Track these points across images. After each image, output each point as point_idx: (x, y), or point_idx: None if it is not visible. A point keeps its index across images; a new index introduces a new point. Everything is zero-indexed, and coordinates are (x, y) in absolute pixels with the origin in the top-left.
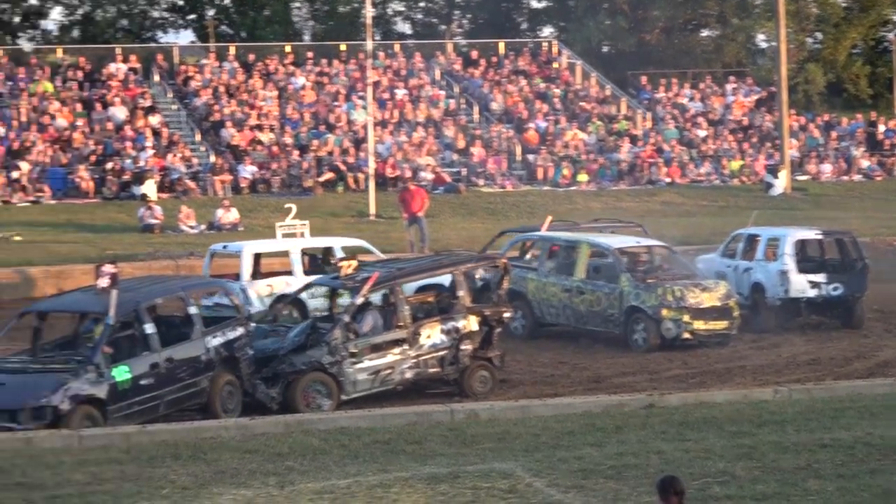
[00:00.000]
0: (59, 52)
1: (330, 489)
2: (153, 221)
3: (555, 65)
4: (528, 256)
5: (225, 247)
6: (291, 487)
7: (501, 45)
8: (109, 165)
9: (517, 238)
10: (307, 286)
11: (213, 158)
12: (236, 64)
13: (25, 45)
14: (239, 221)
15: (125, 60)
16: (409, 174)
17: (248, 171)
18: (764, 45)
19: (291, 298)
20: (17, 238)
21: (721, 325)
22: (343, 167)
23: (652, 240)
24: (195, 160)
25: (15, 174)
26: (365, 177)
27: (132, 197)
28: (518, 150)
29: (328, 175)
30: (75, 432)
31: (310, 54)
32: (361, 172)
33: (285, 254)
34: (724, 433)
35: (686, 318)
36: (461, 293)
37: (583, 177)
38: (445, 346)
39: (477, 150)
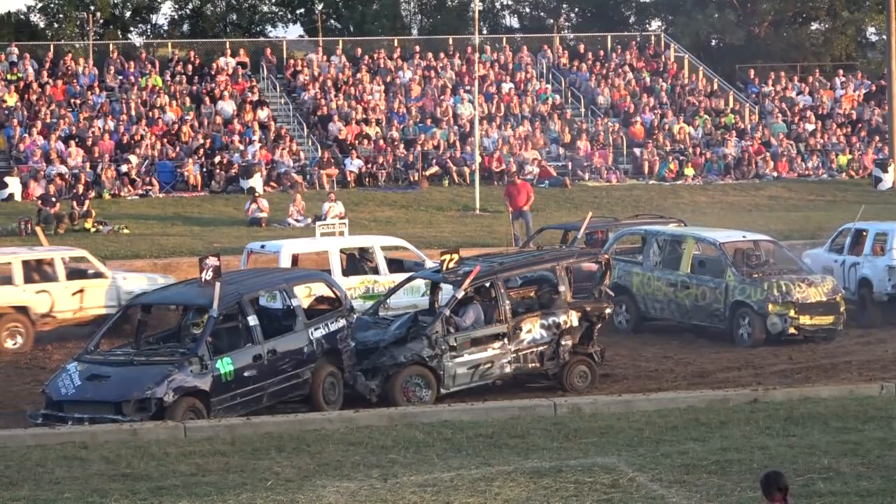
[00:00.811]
0: (169, 47)
1: (433, 482)
2: (260, 215)
3: (662, 58)
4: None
5: (263, 246)
6: (394, 480)
7: (609, 39)
8: (217, 159)
9: (621, 232)
10: (408, 279)
11: (319, 152)
12: (344, 58)
13: (136, 39)
14: (344, 215)
15: (234, 55)
16: (514, 168)
17: (354, 164)
18: (874, 38)
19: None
20: (126, 231)
21: (827, 320)
22: (449, 161)
23: (758, 234)
24: (302, 154)
25: (124, 168)
26: (470, 171)
27: (240, 190)
28: (624, 143)
29: (434, 169)
30: (181, 424)
31: (417, 48)
32: (467, 166)
33: (324, 253)
34: (828, 429)
35: (792, 312)
36: (562, 288)
37: (689, 171)
38: (545, 341)
39: (583, 144)
